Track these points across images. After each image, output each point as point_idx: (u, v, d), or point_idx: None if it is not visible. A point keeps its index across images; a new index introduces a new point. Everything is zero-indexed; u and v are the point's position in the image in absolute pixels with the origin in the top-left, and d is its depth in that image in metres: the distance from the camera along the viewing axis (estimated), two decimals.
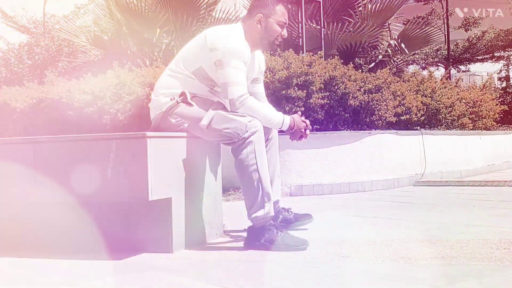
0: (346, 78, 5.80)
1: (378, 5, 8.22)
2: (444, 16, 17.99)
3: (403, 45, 8.48)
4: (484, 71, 32.68)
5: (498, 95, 11.90)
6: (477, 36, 18.93)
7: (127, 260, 2.58)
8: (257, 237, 2.75)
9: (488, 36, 19.01)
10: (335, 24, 7.48)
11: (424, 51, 18.21)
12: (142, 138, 2.56)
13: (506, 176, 6.98)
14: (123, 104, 5.56)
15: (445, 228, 3.27)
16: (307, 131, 3.02)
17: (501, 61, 24.14)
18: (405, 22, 10.11)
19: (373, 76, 6.26)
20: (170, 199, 2.70)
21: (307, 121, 3.03)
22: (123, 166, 2.58)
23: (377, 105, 6.02)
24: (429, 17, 18.34)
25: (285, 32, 2.99)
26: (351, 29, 7.69)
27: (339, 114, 5.76)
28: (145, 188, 2.54)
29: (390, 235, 3.06)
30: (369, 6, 8.19)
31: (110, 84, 5.84)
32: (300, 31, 6.97)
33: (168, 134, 2.79)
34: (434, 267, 2.30)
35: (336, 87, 5.72)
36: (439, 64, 19.18)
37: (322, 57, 5.99)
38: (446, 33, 17.18)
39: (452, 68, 19.74)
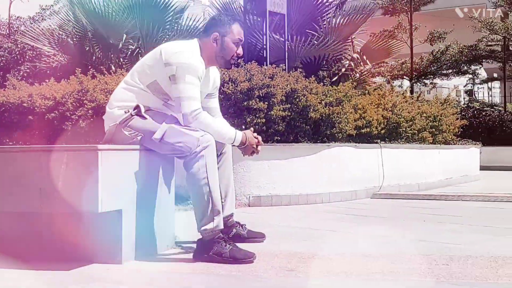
0: (307, 91, 5.91)
1: (342, 20, 8.39)
2: (414, 29, 18.40)
3: (365, 57, 8.67)
4: (451, 83, 33.42)
5: (459, 110, 12.25)
6: (441, 51, 19.40)
7: (75, 271, 2.61)
8: (206, 249, 2.81)
9: (452, 51, 19.49)
10: (298, 37, 7.62)
11: (389, 63, 18.57)
12: (94, 150, 2.60)
13: (463, 190, 7.18)
14: (85, 111, 5.57)
15: (393, 243, 3.38)
16: (259, 147, 3.10)
17: (467, 75, 24.71)
18: (372, 35, 10.31)
19: (335, 90, 6.38)
20: (121, 211, 2.75)
21: (259, 137, 3.11)
22: (75, 178, 2.62)
23: (337, 118, 6.14)
24: (396, 30, 18.72)
25: (240, 50, 3.07)
26: (315, 42, 7.83)
27: (300, 126, 5.85)
28: (96, 200, 2.58)
29: (339, 249, 3.15)
30: (334, 21, 8.35)
31: (72, 90, 5.85)
32: (264, 43, 7.08)
33: (120, 147, 2.84)
34: (371, 282, 2.39)
35: (297, 100, 5.81)
36: (404, 77, 19.58)
37: (284, 70, 6.10)
38: (410, 46, 17.54)
39: (417, 81, 20.15)
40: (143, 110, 2.88)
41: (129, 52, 8.43)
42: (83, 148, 2.69)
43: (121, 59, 8.23)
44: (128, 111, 2.91)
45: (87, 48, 8.51)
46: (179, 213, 4.22)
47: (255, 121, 5.43)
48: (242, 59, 5.92)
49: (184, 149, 2.80)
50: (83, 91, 5.73)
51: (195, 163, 2.79)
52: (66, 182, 2.62)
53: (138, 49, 8.32)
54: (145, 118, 2.88)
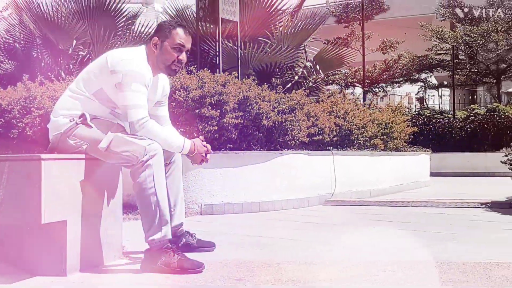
0: (260, 99, 5.93)
1: (295, 28, 8.47)
2: (367, 38, 18.77)
3: (318, 67, 8.77)
4: (404, 91, 34.16)
5: (410, 117, 12.53)
6: (393, 59, 19.85)
7: (18, 284, 2.54)
8: (154, 260, 2.78)
9: (403, 60, 19.97)
10: (251, 44, 7.65)
11: (343, 71, 18.88)
12: (37, 160, 2.55)
13: (413, 196, 7.34)
14: (32, 119, 5.45)
15: (342, 249, 3.42)
16: (208, 156, 3.09)
17: (419, 83, 25.33)
18: (326, 42, 10.46)
19: (288, 97, 6.42)
20: (65, 221, 2.69)
21: (208, 146, 3.10)
22: (17, 188, 2.55)
23: (290, 126, 6.18)
24: (349, 39, 19.07)
25: (183, 57, 2.99)
26: (268, 49, 7.88)
27: (252, 133, 5.87)
28: (39, 211, 2.52)
29: (289, 257, 3.17)
30: (286, 28, 8.42)
31: (19, 97, 5.71)
32: (217, 50, 7.08)
33: (65, 156, 2.79)
34: None
35: (250, 107, 5.83)
36: (357, 84, 19.92)
37: (237, 77, 6.10)
38: (362, 55, 17.89)
39: (369, 89, 20.54)
40: (88, 118, 2.83)
41: (80, 58, 8.28)
42: (25, 157, 2.63)
43: (71, 65, 8.08)
44: (73, 120, 2.86)
45: (35, 54, 8.33)
46: (128, 223, 4.17)
47: (207, 128, 5.41)
48: (195, 66, 5.91)
49: (130, 158, 2.77)
50: (30, 98, 5.60)
51: (142, 173, 2.76)
52: (8, 193, 2.55)
53: (89, 55, 8.18)
54: (90, 126, 2.83)
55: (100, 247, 2.95)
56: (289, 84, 8.39)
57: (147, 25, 8.60)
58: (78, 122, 2.83)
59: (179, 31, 2.99)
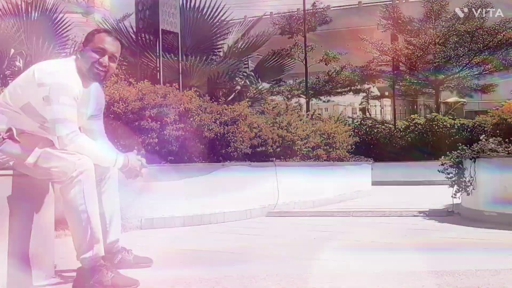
0: (201, 110, 5.89)
1: (244, 44, 8.53)
2: (310, 49, 19.05)
3: (257, 76, 8.83)
4: (348, 101, 34.76)
5: (353, 127, 12.73)
6: (336, 71, 20.22)
7: None
8: (87, 278, 2.69)
9: (345, 72, 20.38)
10: (193, 56, 7.60)
11: (288, 82, 19.08)
12: None
13: (354, 205, 7.43)
14: None
15: (282, 262, 3.41)
16: (143, 170, 3.01)
17: (362, 93, 25.84)
18: (270, 53, 10.51)
19: (230, 109, 6.41)
20: None
21: (143, 160, 3.02)
22: None
23: (232, 137, 6.16)
24: (293, 50, 19.30)
25: (104, 60, 2.86)
26: (211, 61, 7.86)
27: (194, 145, 5.81)
28: None
29: (226, 271, 3.12)
30: (232, 43, 8.46)
31: None
32: (157, 63, 6.99)
33: None
34: None
35: (191, 119, 5.78)
36: (301, 95, 20.17)
37: (178, 89, 6.04)
38: (305, 65, 18.13)
39: (313, 99, 20.84)
40: (15, 133, 2.72)
41: (16, 69, 8.00)
42: None
43: (8, 77, 7.81)
44: (0, 135, 2.73)
45: None
46: (64, 239, 4.03)
47: (147, 141, 5.33)
48: (134, 79, 5.81)
49: (59, 174, 2.67)
50: None
51: (72, 189, 2.66)
52: None
53: (26, 66, 7.92)
54: (17, 141, 2.71)
55: (29, 267, 2.82)
56: (232, 95, 8.39)
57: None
58: (4, 137, 2.71)
59: (103, 35, 2.90)
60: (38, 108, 2.76)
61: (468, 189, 5.44)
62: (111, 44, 2.89)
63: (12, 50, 8.04)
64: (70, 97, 2.73)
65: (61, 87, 2.71)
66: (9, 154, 2.72)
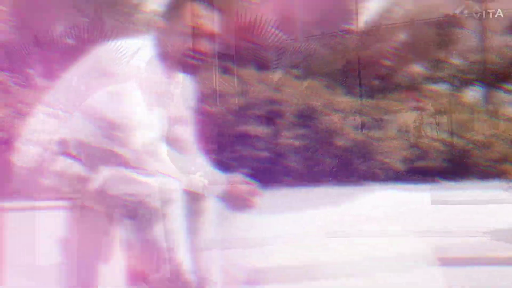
0: (330, 109, 5.88)
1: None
2: None
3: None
4: None
5: None
6: None
7: None
8: None
9: None
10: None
11: (455, 62, 18.74)
12: None
13: None
14: None
15: None
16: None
17: None
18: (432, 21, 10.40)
19: (371, 104, 6.35)
20: None
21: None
22: None
23: (377, 147, 6.09)
24: (462, 14, 19.10)
25: None
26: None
27: (320, 160, 5.80)
28: None
29: None
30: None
31: None
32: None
33: None
34: None
35: (315, 121, 5.78)
36: (475, 82, 19.82)
37: (298, 78, 6.07)
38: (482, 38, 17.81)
39: (494, 88, 20.31)
40: (72, 145, 2.79)
41: None
42: None
43: None
44: None
45: None
46: None
47: (252, 154, 5.38)
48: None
49: (134, 204, 2.69)
50: None
51: (154, 226, 2.69)
52: None
53: None
54: (76, 157, 2.79)
55: None
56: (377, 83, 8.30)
57: None
58: (57, 152, 2.79)
59: None
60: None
61: None
62: None
63: None
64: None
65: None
66: (64, 176, 2.76)
